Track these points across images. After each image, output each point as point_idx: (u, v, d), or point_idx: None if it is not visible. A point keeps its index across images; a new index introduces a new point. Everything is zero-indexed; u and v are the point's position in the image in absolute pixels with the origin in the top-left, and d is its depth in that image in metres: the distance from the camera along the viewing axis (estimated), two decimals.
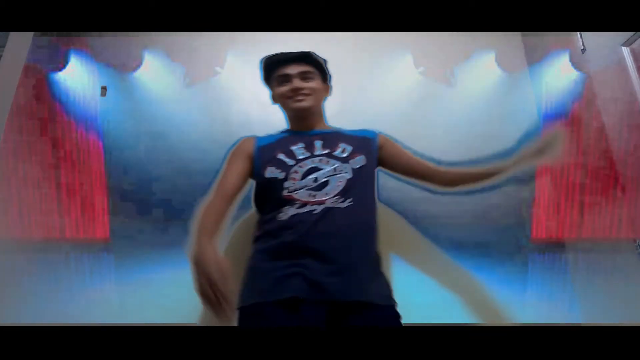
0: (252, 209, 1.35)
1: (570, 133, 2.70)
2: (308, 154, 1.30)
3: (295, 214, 1.18)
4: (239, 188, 1.32)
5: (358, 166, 1.29)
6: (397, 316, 1.19)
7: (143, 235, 2.60)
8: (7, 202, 2.43)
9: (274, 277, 1.13)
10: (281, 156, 1.30)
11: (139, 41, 2.97)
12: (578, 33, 2.63)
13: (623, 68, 2.28)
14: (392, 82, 2.94)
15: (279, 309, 1.08)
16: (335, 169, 1.26)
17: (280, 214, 1.19)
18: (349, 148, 1.32)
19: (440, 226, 2.56)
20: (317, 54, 1.43)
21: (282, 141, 1.36)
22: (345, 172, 1.26)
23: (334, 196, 1.20)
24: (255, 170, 1.32)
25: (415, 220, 2.61)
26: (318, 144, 1.33)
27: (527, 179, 2.76)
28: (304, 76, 1.37)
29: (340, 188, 1.22)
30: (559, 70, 2.81)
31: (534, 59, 2.95)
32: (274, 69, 1.42)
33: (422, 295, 2.37)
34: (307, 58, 1.40)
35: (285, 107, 1.42)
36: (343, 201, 1.20)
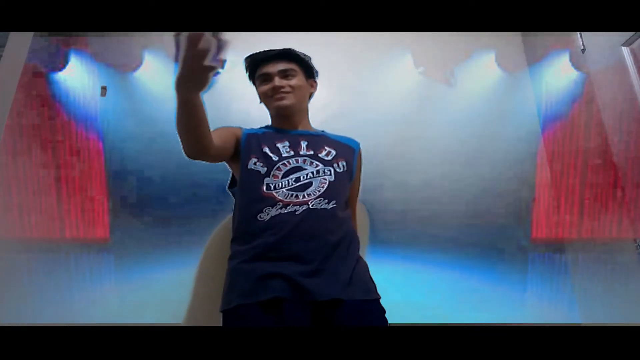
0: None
1: (570, 133, 2.70)
2: (292, 153, 1.30)
3: (277, 215, 1.17)
4: (227, 144, 1.28)
5: (340, 170, 1.30)
6: (382, 310, 1.19)
7: (143, 235, 2.60)
8: (7, 202, 2.43)
9: (256, 278, 1.12)
10: (266, 150, 1.29)
11: (139, 41, 2.97)
12: (578, 33, 2.63)
13: (623, 68, 2.28)
14: (392, 82, 2.94)
15: (263, 310, 1.08)
16: (318, 171, 1.25)
17: (261, 214, 1.18)
18: (333, 152, 1.33)
19: (441, 226, 2.56)
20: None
21: (267, 135, 1.36)
22: (329, 175, 1.26)
23: (317, 197, 1.20)
24: (240, 154, 1.30)
25: (416, 220, 2.62)
26: (304, 144, 1.33)
27: (527, 179, 2.76)
28: (284, 74, 1.38)
29: (323, 189, 1.22)
30: (559, 70, 2.81)
31: (534, 59, 2.94)
32: (256, 67, 1.42)
33: (422, 295, 2.38)
34: (288, 55, 1.40)
35: (268, 105, 1.43)
36: (328, 203, 1.20)
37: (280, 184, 1.22)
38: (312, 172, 1.25)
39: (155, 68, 2.99)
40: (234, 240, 1.24)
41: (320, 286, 1.10)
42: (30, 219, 2.52)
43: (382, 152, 2.47)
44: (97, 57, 2.93)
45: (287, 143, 1.32)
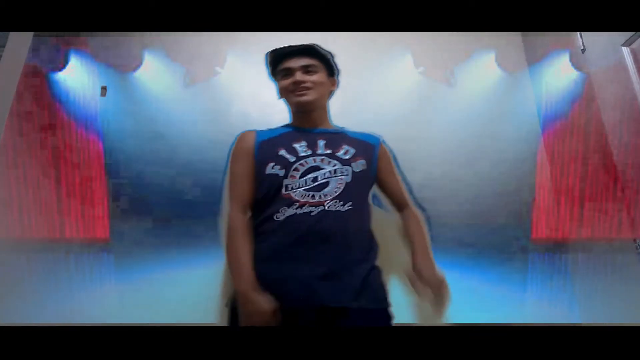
0: None
1: (571, 133, 2.70)
2: (310, 152, 1.28)
3: (293, 214, 1.17)
4: (253, 191, 1.29)
5: (358, 170, 1.28)
6: (389, 318, 1.18)
7: (143, 235, 2.60)
8: (7, 202, 2.43)
9: (267, 280, 1.13)
10: (282, 152, 1.28)
11: (139, 41, 2.97)
12: (578, 33, 2.63)
13: (623, 68, 2.28)
14: (392, 82, 2.94)
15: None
16: (335, 170, 1.24)
17: (278, 214, 1.18)
18: (352, 150, 1.31)
19: (441, 226, 2.56)
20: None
21: (284, 136, 1.35)
22: (346, 175, 1.24)
23: (333, 199, 1.19)
24: (256, 168, 1.30)
25: None
26: (321, 143, 1.31)
27: (527, 179, 2.77)
28: (306, 69, 1.35)
29: (340, 191, 1.21)
30: (559, 70, 2.81)
31: (534, 59, 2.94)
32: (278, 62, 1.40)
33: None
34: (310, 51, 1.38)
35: (288, 101, 1.40)
36: (343, 205, 1.19)
37: (297, 184, 1.21)
38: (330, 172, 1.23)
39: (155, 68, 2.99)
40: (254, 239, 1.24)
41: (330, 291, 1.10)
42: (30, 219, 2.52)
43: None
44: (97, 57, 2.93)
45: (304, 142, 1.30)
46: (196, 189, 2.70)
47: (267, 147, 1.32)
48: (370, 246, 1.24)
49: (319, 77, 1.37)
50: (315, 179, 1.22)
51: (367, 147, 1.37)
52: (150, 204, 2.69)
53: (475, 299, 2.37)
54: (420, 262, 1.20)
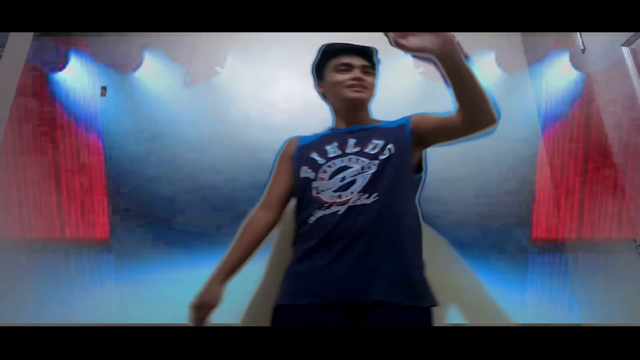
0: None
1: (570, 133, 2.70)
2: (339, 152, 1.28)
3: (321, 217, 1.18)
4: (285, 195, 1.32)
5: (386, 156, 1.24)
6: (426, 319, 1.13)
7: (143, 235, 2.60)
8: (7, 202, 2.43)
9: (297, 280, 1.17)
10: (314, 155, 1.29)
11: (139, 41, 2.97)
12: (578, 33, 2.63)
13: (623, 68, 2.28)
14: (392, 82, 2.94)
15: (297, 311, 1.12)
16: (363, 167, 1.23)
17: (311, 217, 1.20)
18: (381, 143, 1.27)
19: (441, 226, 2.55)
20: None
21: (320, 139, 1.35)
22: (374, 167, 1.22)
23: (358, 193, 1.18)
24: (294, 172, 1.32)
25: None
26: (351, 141, 1.30)
27: (527, 179, 2.77)
28: (365, 70, 1.36)
29: (364, 184, 1.19)
30: (559, 70, 2.81)
31: (534, 59, 2.95)
32: (333, 56, 1.39)
33: None
34: (369, 54, 1.40)
35: (338, 95, 1.36)
36: (368, 197, 1.17)
37: (326, 185, 1.22)
38: (358, 169, 1.22)
39: (155, 68, 2.99)
40: (292, 242, 1.28)
41: (354, 287, 1.10)
42: (30, 219, 2.52)
43: None
44: (97, 57, 2.93)
45: (335, 143, 1.30)
46: (196, 189, 2.70)
47: (303, 151, 1.34)
48: (402, 234, 1.19)
49: (373, 80, 1.39)
50: (343, 179, 1.22)
51: (397, 130, 1.33)
52: (150, 203, 2.69)
53: None
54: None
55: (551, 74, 2.84)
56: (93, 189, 2.72)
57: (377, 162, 1.23)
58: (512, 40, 3.01)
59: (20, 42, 2.48)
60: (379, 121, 1.41)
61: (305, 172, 1.27)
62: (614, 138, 2.35)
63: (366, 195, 1.17)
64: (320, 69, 1.42)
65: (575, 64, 2.71)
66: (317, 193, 1.22)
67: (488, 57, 2.96)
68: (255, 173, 2.72)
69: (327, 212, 1.18)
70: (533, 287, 2.56)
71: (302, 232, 1.22)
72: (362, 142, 1.29)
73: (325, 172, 1.24)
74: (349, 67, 1.35)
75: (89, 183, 2.72)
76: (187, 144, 2.81)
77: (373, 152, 1.26)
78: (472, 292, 1.41)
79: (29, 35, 2.53)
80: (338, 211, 1.17)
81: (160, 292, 2.42)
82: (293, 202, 1.32)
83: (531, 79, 2.93)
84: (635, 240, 2.16)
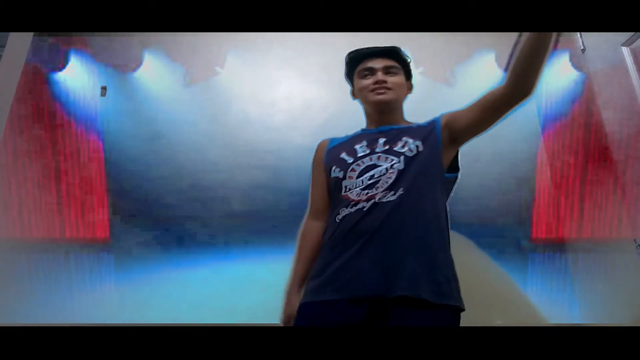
0: None
1: (570, 133, 2.70)
2: (368, 151, 1.29)
3: (348, 214, 1.19)
4: (328, 199, 1.34)
5: (413, 154, 1.24)
6: (450, 320, 1.12)
7: (143, 235, 2.60)
8: (7, 202, 2.43)
9: (320, 277, 1.18)
10: (343, 155, 1.31)
11: (139, 41, 2.97)
12: (578, 33, 2.63)
13: (623, 68, 2.28)
14: None
15: (321, 308, 1.14)
16: (392, 165, 1.23)
17: (338, 215, 1.22)
18: (410, 141, 1.27)
19: None
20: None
21: (350, 140, 1.37)
22: (399, 164, 1.22)
23: (384, 190, 1.18)
24: (326, 174, 1.34)
25: None
26: (381, 140, 1.30)
27: (527, 179, 2.77)
28: (388, 70, 1.36)
29: (391, 181, 1.19)
30: (559, 70, 2.81)
31: None
32: (358, 62, 1.41)
33: None
34: (393, 53, 1.41)
35: (365, 100, 1.38)
36: (394, 194, 1.17)
37: (355, 184, 1.23)
38: (386, 168, 1.22)
39: (155, 68, 2.99)
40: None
41: (377, 282, 1.10)
42: (30, 219, 2.52)
43: None
44: (97, 57, 2.93)
45: (364, 142, 1.31)
46: (196, 189, 2.70)
47: (333, 152, 1.36)
48: (428, 230, 1.18)
49: (399, 78, 1.38)
50: (371, 177, 1.23)
51: (428, 127, 1.33)
52: (150, 203, 2.69)
53: None
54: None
55: (551, 74, 2.84)
56: (93, 189, 2.72)
57: (404, 159, 1.23)
58: (512, 40, 3.00)
59: (20, 42, 2.48)
60: (412, 123, 1.41)
61: (335, 171, 1.29)
62: (614, 138, 2.35)
63: (392, 192, 1.18)
64: (350, 76, 1.45)
65: (575, 64, 2.71)
66: (346, 191, 1.23)
67: (488, 57, 2.96)
68: (255, 173, 2.72)
69: (353, 209, 1.19)
70: (533, 287, 2.56)
71: (329, 231, 1.24)
72: (391, 141, 1.29)
73: (353, 170, 1.26)
74: (371, 71, 1.37)
75: (89, 183, 2.72)
76: (187, 144, 2.81)
77: (402, 150, 1.26)
78: (506, 294, 1.41)
79: (29, 35, 2.53)
80: (363, 207, 1.18)
81: (160, 292, 2.42)
82: None
83: None
84: (635, 240, 2.16)
